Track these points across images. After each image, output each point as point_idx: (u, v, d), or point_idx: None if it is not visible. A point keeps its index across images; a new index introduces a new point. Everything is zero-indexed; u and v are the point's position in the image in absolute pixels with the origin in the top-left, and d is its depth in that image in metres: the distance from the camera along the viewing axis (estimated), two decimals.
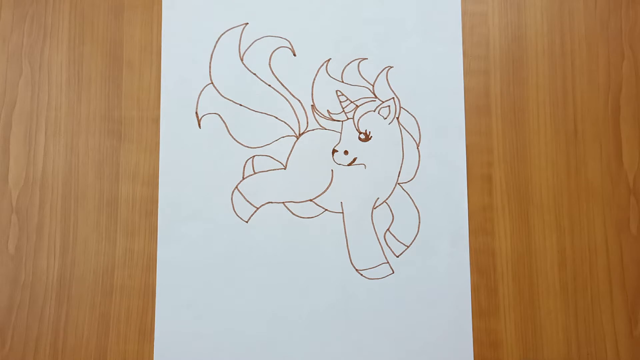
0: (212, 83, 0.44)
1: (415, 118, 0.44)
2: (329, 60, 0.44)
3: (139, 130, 0.44)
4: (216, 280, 0.43)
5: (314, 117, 0.44)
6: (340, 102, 0.44)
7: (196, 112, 0.44)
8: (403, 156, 0.44)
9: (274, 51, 0.44)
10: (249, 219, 0.43)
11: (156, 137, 0.44)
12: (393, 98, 0.44)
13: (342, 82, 0.44)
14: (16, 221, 0.43)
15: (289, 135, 0.44)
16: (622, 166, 0.43)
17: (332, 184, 0.43)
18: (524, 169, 0.44)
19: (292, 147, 0.44)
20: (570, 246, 0.43)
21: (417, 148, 0.44)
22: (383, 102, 0.44)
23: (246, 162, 0.44)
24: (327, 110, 0.44)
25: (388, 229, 0.43)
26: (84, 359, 0.43)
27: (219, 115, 0.44)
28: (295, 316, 0.43)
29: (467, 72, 0.44)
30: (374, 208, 0.43)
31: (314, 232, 0.43)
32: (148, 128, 0.44)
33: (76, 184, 0.44)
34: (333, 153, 0.44)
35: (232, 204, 0.43)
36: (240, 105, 0.44)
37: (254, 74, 0.44)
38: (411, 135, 0.44)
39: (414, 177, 0.43)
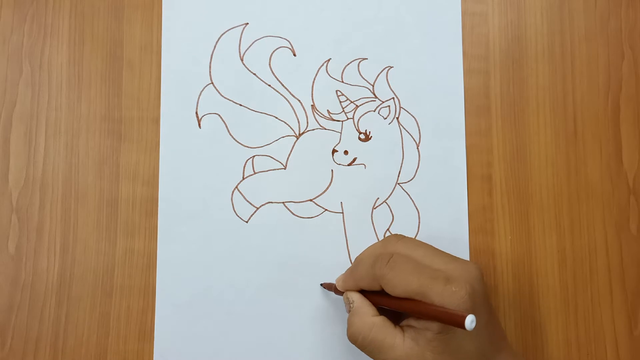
0: (212, 83, 0.44)
1: (415, 118, 0.44)
2: (329, 60, 0.44)
3: (139, 130, 0.44)
4: (216, 280, 0.43)
5: (314, 117, 0.44)
6: (340, 102, 0.44)
7: (196, 112, 0.44)
8: (403, 156, 0.44)
9: (274, 51, 0.44)
10: (249, 219, 0.43)
11: (156, 137, 0.44)
12: (393, 98, 0.44)
13: (342, 82, 0.44)
14: (16, 221, 0.43)
15: (289, 135, 0.44)
16: (622, 166, 0.43)
17: (332, 184, 0.43)
18: (524, 169, 0.44)
19: (292, 147, 0.44)
20: (570, 246, 0.43)
21: (417, 148, 0.44)
22: (383, 102, 0.44)
23: (246, 162, 0.44)
24: (327, 110, 0.44)
25: (388, 229, 0.43)
26: (84, 359, 0.43)
27: (219, 115, 0.44)
28: (295, 316, 0.43)
29: (467, 72, 0.44)
30: (374, 208, 0.43)
31: (314, 232, 0.43)
32: (148, 128, 0.44)
33: (76, 184, 0.44)
34: (333, 153, 0.44)
35: (232, 204, 0.43)
36: (240, 105, 0.44)
37: (254, 74, 0.44)
38: (411, 135, 0.44)
39: (414, 177, 0.43)
